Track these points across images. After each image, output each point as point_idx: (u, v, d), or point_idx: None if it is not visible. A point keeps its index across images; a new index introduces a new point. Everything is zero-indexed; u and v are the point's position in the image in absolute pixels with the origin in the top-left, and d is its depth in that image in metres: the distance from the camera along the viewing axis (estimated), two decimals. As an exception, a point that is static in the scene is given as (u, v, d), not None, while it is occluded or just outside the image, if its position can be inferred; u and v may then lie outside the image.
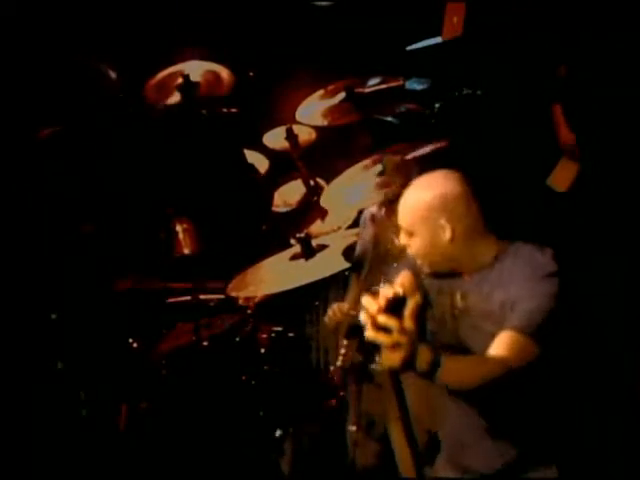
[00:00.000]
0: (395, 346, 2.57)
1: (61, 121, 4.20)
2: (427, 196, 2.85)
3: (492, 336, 2.75)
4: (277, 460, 4.24)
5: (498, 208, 3.05)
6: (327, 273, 3.99)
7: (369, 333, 2.60)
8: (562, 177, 4.75)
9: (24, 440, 3.79)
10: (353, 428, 4.27)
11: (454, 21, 5.20)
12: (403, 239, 2.92)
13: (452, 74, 5.18)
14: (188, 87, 4.35)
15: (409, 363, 2.60)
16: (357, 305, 4.03)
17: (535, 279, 2.77)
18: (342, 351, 3.96)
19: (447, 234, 2.82)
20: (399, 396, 2.96)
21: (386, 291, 2.66)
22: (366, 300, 2.65)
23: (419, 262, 2.91)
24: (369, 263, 3.89)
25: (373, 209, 3.95)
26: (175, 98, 4.46)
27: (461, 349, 2.86)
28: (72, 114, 4.18)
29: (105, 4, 5.16)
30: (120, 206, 3.77)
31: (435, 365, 2.62)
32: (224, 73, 4.52)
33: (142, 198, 3.73)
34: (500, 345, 2.72)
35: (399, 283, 2.87)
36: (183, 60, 4.44)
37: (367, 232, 3.96)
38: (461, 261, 2.88)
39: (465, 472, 2.92)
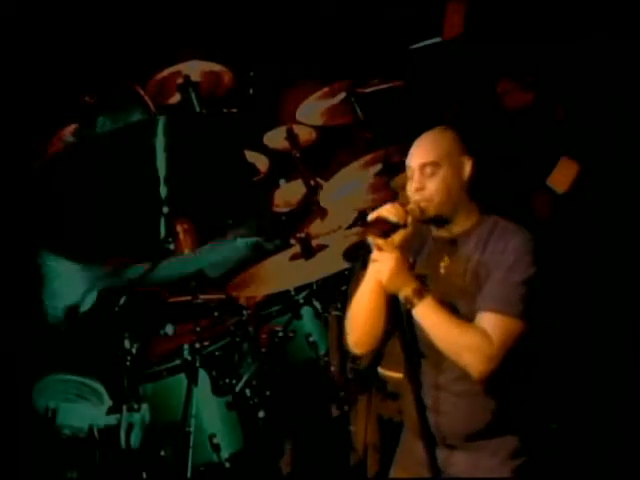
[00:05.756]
0: (382, 256, 2.84)
1: (61, 121, 4.20)
2: (449, 134, 3.04)
3: (467, 298, 2.91)
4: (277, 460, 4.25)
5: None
6: (327, 273, 3.99)
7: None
8: (562, 177, 4.75)
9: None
10: (354, 429, 4.30)
11: (454, 21, 5.20)
12: (418, 182, 2.98)
13: (452, 74, 5.18)
14: (188, 87, 4.36)
15: (394, 283, 2.85)
16: None
17: (508, 253, 2.89)
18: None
19: (467, 168, 2.98)
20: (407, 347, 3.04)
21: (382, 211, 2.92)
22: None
23: (426, 205, 2.97)
24: None
25: None
26: (175, 98, 4.47)
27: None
28: (72, 114, 4.18)
29: (105, 4, 5.16)
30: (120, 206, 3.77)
31: (419, 294, 2.84)
32: (224, 73, 4.52)
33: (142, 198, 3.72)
34: (482, 326, 2.85)
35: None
36: (183, 60, 4.44)
37: None
38: (456, 214, 3.00)
39: (444, 439, 2.99)
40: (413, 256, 3.06)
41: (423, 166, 2.97)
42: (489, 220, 3.00)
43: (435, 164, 2.96)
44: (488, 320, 2.85)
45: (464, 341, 2.83)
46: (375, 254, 2.89)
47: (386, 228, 2.89)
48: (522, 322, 2.85)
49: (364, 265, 3.00)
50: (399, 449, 3.20)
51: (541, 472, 3.01)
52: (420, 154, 3.00)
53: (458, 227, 3.00)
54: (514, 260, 2.87)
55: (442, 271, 3.00)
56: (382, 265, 2.87)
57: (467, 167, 2.99)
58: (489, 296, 2.87)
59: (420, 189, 2.96)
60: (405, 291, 2.87)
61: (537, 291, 2.88)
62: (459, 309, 2.91)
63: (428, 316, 2.86)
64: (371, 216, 2.95)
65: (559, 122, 4.68)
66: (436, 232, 3.04)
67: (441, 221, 3.00)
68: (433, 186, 2.96)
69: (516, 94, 4.84)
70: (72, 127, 4.19)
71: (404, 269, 2.88)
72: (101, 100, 4.15)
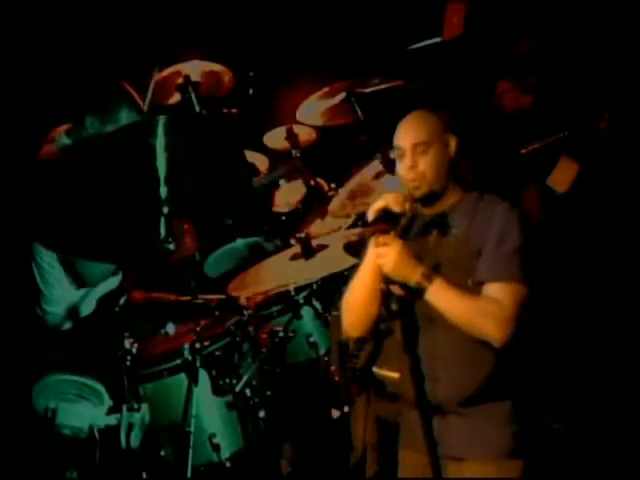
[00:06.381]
0: (385, 250, 2.96)
1: (61, 121, 4.20)
2: (435, 115, 3.17)
3: (459, 268, 3.03)
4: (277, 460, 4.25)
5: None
6: (327, 273, 4.00)
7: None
8: (562, 177, 4.76)
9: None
10: (353, 429, 4.30)
11: (454, 21, 5.20)
12: (411, 160, 3.10)
13: (452, 74, 5.18)
14: (188, 87, 4.36)
15: (402, 272, 2.96)
16: None
17: (495, 222, 3.04)
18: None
19: (452, 145, 3.12)
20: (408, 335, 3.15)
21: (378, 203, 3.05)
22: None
23: (420, 182, 3.09)
24: None
25: None
26: (175, 98, 4.47)
27: None
28: (71, 113, 4.17)
29: (105, 4, 5.17)
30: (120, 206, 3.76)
31: (428, 278, 2.97)
32: (224, 73, 4.52)
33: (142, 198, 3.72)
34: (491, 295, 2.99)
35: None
36: (183, 60, 4.44)
37: None
38: (445, 190, 3.13)
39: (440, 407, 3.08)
40: (405, 236, 3.14)
41: (415, 145, 3.10)
42: (473, 194, 3.15)
43: (426, 143, 3.10)
44: (494, 290, 2.98)
45: (479, 311, 2.97)
46: (378, 249, 3.00)
47: (385, 227, 3.02)
48: (525, 285, 2.98)
49: None
50: (402, 429, 3.30)
51: (537, 441, 3.11)
52: (411, 134, 3.13)
53: (444, 203, 3.14)
54: (502, 229, 3.02)
55: (431, 246, 3.11)
56: (387, 258, 2.98)
57: (452, 144, 3.13)
58: (488, 269, 3.01)
59: (413, 167, 3.10)
60: (414, 277, 2.98)
61: (530, 256, 3.01)
62: (453, 280, 3.00)
63: (441, 296, 2.98)
64: (372, 209, 3.08)
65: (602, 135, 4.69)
66: (423, 210, 3.16)
67: (432, 197, 3.12)
68: (425, 164, 3.10)
69: (515, 95, 4.85)
70: (63, 128, 4.19)
71: (408, 257, 2.99)
72: (88, 99, 4.14)
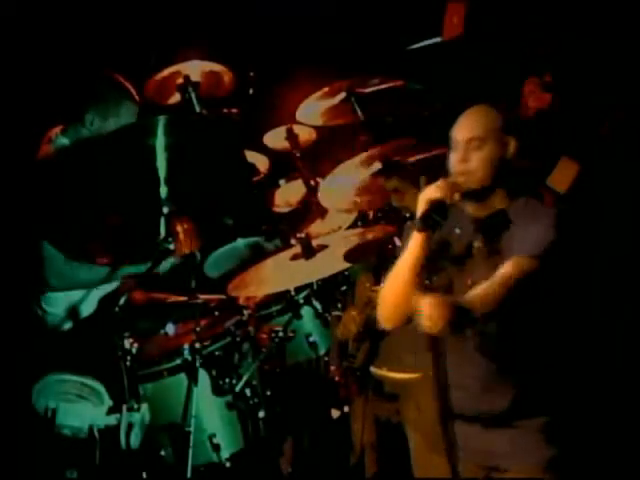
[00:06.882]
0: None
1: (61, 120, 4.20)
2: (497, 114, 3.13)
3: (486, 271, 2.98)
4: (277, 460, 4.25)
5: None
6: (327, 273, 3.99)
7: None
8: (562, 177, 4.75)
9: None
10: (352, 429, 4.30)
11: (454, 21, 5.20)
12: (463, 154, 3.06)
13: (452, 74, 5.18)
14: (188, 87, 4.35)
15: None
16: (365, 308, 4.09)
17: (538, 222, 3.01)
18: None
19: (511, 148, 3.07)
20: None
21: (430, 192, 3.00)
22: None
23: (468, 177, 3.05)
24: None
25: None
26: (175, 98, 4.47)
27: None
28: (69, 110, 4.17)
29: (105, 4, 5.17)
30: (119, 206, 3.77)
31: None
32: (224, 73, 4.52)
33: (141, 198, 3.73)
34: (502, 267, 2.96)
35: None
36: (183, 60, 4.44)
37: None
38: (493, 192, 3.08)
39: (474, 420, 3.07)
40: (446, 233, 3.12)
41: (470, 140, 3.06)
42: (521, 200, 3.10)
43: (481, 139, 3.06)
44: (511, 260, 2.94)
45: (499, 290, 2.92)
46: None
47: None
48: (536, 260, 2.94)
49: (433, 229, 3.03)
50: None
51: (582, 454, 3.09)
52: (468, 128, 3.09)
53: (493, 206, 3.10)
54: (537, 227, 2.99)
55: (476, 251, 3.08)
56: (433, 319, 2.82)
57: (512, 145, 3.08)
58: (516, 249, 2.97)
59: (464, 160, 3.06)
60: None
61: (557, 255, 2.98)
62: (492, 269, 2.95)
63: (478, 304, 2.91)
64: (423, 199, 3.02)
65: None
66: (470, 210, 3.11)
67: (479, 196, 3.07)
68: (477, 160, 3.05)
69: (539, 95, 4.83)
70: (59, 128, 4.18)
71: (447, 304, 2.83)
72: (87, 95, 4.14)
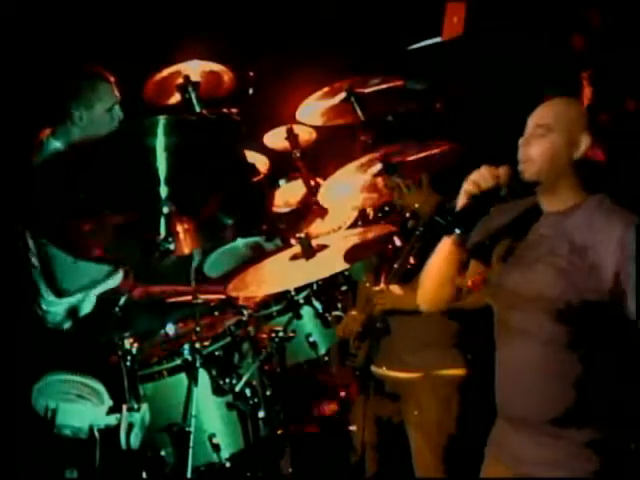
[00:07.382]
0: None
1: (61, 120, 4.19)
2: (578, 106, 3.04)
3: (564, 277, 2.88)
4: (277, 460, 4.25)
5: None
6: (327, 273, 3.99)
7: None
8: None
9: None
10: (354, 428, 4.30)
11: (454, 21, 5.20)
12: (529, 139, 2.96)
13: (452, 74, 5.18)
14: (188, 87, 4.35)
15: None
16: (365, 308, 4.09)
17: (615, 241, 2.84)
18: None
19: (583, 145, 2.93)
20: None
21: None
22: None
23: (526, 166, 2.95)
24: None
25: None
26: (175, 98, 4.47)
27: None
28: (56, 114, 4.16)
29: (105, 4, 5.17)
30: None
31: None
32: (224, 73, 4.52)
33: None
34: None
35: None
36: (183, 60, 4.44)
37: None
38: (559, 187, 2.97)
39: (520, 423, 2.99)
40: (513, 227, 3.06)
41: (537, 126, 2.96)
42: (595, 198, 2.96)
43: (548, 127, 2.94)
44: None
45: None
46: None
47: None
48: None
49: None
50: (490, 438, 3.16)
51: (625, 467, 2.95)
52: (539, 114, 2.99)
53: (565, 202, 2.97)
54: (624, 253, 2.82)
55: (544, 249, 2.96)
56: None
57: (583, 144, 2.94)
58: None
59: (525, 145, 2.97)
60: None
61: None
62: (554, 288, 2.89)
63: None
64: (466, 191, 2.93)
65: None
66: (544, 206, 3.01)
67: (540, 188, 2.97)
68: (538, 147, 2.95)
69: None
70: (47, 131, 4.18)
71: None
72: (66, 93, 4.13)
